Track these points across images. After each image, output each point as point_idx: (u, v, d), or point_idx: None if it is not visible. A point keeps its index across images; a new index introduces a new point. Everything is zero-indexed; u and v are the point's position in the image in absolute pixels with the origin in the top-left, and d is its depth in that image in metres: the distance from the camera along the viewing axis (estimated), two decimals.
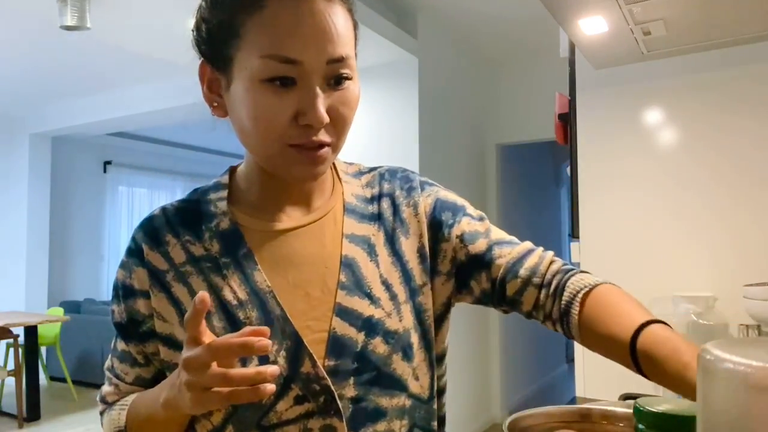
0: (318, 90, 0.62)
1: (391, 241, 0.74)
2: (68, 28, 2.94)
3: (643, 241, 1.73)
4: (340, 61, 0.63)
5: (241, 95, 0.64)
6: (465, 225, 0.74)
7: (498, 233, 0.76)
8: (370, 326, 0.68)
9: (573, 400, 1.54)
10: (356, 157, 0.89)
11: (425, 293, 0.74)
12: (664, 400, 0.49)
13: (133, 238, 0.73)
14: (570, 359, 6.04)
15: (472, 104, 4.44)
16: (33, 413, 4.60)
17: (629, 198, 1.77)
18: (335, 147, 0.67)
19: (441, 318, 0.77)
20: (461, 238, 0.74)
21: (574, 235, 1.86)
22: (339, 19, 0.63)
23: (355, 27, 0.68)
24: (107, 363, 0.76)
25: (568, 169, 1.90)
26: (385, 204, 0.76)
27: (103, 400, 0.76)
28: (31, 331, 4.69)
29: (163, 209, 0.75)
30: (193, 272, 0.70)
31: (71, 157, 6.56)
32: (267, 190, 0.73)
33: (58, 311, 5.50)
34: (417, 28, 3.66)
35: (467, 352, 4.21)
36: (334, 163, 0.79)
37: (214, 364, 0.55)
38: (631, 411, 0.54)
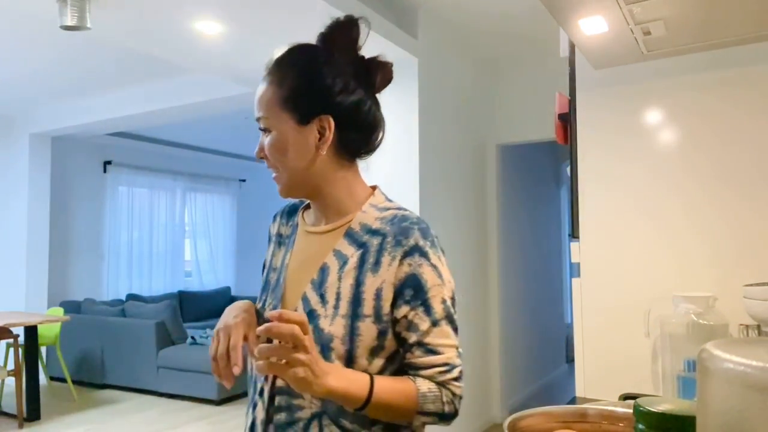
0: (262, 135, 0.98)
1: (361, 268, 0.93)
2: (68, 28, 2.94)
3: (643, 241, 1.73)
4: (258, 120, 0.97)
5: None
6: (412, 314, 0.90)
7: (438, 338, 0.90)
8: (311, 316, 0.92)
9: (573, 400, 1.54)
10: None
11: (366, 324, 0.90)
12: (663, 400, 0.49)
13: (279, 211, 1.14)
14: (570, 359, 6.03)
15: (472, 104, 4.44)
16: (33, 413, 4.60)
17: (629, 198, 1.77)
18: (279, 177, 0.98)
19: (377, 350, 0.91)
20: (401, 319, 0.91)
21: (574, 235, 1.86)
22: (263, 93, 0.97)
23: (284, 99, 0.95)
24: None
25: (568, 169, 1.90)
26: (375, 241, 0.94)
27: None
28: (31, 331, 4.69)
29: (288, 203, 1.11)
30: (276, 242, 1.10)
31: (71, 157, 6.55)
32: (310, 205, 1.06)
33: (58, 311, 5.50)
34: (417, 28, 3.66)
35: (467, 352, 4.21)
36: (372, 195, 1.01)
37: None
38: (631, 411, 0.54)
